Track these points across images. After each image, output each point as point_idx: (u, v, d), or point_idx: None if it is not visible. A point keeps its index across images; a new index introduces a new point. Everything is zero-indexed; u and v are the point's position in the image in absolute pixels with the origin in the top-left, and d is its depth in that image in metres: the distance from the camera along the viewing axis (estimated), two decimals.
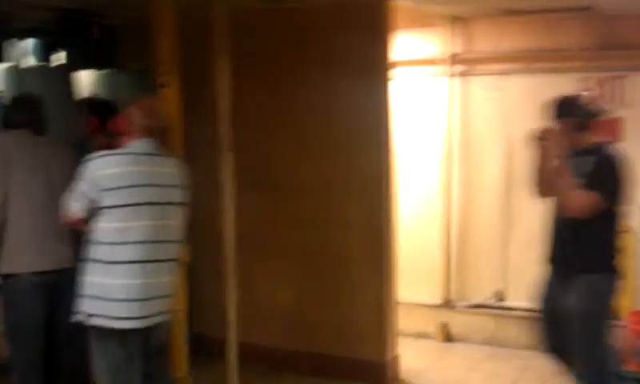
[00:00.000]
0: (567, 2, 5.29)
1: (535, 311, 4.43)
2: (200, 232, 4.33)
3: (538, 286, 4.33)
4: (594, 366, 4.08)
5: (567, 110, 4.03)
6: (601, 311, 4.11)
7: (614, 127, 5.69)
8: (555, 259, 4.20)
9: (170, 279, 3.56)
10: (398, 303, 5.46)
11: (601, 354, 4.10)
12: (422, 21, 6.09)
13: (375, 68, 5.12)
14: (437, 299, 6.27)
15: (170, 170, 3.57)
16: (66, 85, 5.06)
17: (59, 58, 5.60)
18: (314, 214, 5.35)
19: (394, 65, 5.32)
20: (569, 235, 4.06)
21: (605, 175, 3.88)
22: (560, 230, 4.12)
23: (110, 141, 3.81)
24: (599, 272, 4.03)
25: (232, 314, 4.41)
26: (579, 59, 5.75)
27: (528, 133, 4.25)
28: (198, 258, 4.15)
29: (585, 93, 4.07)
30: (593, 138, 4.04)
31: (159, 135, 3.52)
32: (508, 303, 6.09)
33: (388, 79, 5.15)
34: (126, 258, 3.37)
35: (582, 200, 3.88)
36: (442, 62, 6.12)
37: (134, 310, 3.38)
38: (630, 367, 5.34)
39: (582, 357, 4.09)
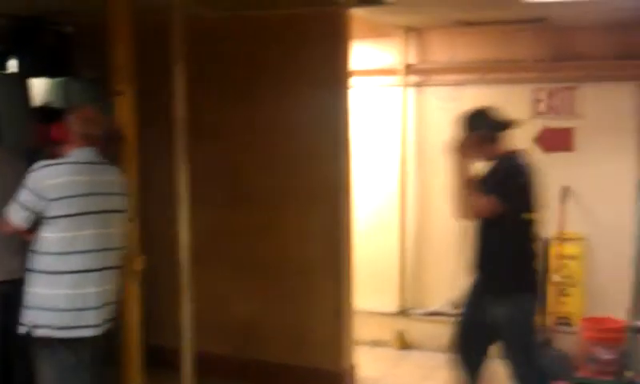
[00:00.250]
0: (521, 13, 5.37)
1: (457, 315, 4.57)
2: (157, 242, 4.29)
3: (463, 293, 4.44)
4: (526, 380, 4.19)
5: (476, 122, 4.21)
6: (526, 327, 4.24)
7: (565, 137, 5.81)
8: (477, 269, 4.30)
9: (113, 287, 3.60)
10: (355, 312, 5.47)
11: (529, 369, 4.22)
12: (377, 31, 6.13)
13: (334, 77, 5.14)
14: (393, 307, 6.30)
15: (110, 177, 3.62)
16: (20, 93, 4.97)
17: (13, 65, 5.50)
18: (273, 223, 5.34)
19: (352, 74, 5.34)
20: (488, 248, 4.19)
21: (505, 180, 4.06)
22: (481, 242, 4.23)
23: (59, 150, 3.78)
24: (520, 289, 4.16)
25: (187, 325, 4.37)
26: (532, 70, 5.86)
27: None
28: (155, 268, 4.10)
29: (493, 106, 4.27)
30: (503, 148, 4.20)
31: (99, 143, 3.57)
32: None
33: (347, 89, 5.17)
34: (71, 268, 3.40)
35: (481, 204, 4.06)
36: (397, 72, 6.17)
37: (81, 318, 3.42)
38: (584, 373, 5.44)
39: (516, 374, 4.21)
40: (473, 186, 4.15)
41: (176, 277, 4.34)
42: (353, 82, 5.35)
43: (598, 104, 5.70)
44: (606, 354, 5.37)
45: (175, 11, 4.08)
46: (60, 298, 3.38)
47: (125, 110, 3.78)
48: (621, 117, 5.64)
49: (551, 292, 5.77)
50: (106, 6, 3.68)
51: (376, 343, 6.30)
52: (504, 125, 4.21)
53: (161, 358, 4.81)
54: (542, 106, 5.86)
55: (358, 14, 5.28)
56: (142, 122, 3.92)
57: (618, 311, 5.54)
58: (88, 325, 3.45)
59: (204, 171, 4.85)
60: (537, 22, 5.65)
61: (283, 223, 5.32)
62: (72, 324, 3.40)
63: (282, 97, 5.24)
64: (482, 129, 4.18)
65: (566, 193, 5.76)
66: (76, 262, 3.40)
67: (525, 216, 4.12)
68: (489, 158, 4.20)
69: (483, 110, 4.27)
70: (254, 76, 5.29)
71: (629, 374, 5.25)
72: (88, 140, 3.53)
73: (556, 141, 5.84)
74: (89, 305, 3.44)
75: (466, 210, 4.19)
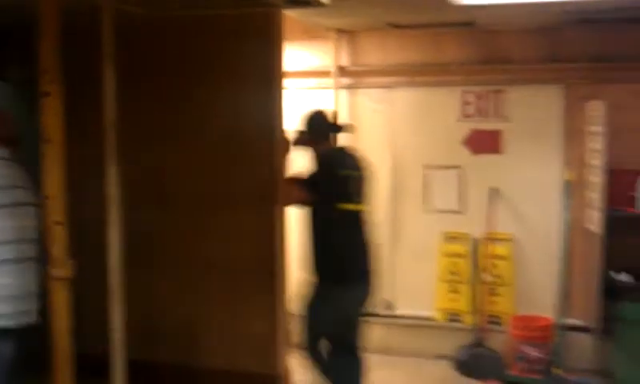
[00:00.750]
0: (450, 17, 5.45)
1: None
2: (87, 246, 4.17)
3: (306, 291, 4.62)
4: (337, 373, 4.52)
5: (310, 122, 4.60)
6: (340, 320, 4.45)
7: (493, 140, 5.93)
8: (311, 267, 4.53)
9: (31, 278, 3.75)
10: (290, 315, 5.44)
11: (341, 363, 4.53)
12: (311, 33, 6.14)
13: (268, 78, 5.10)
14: None
15: (20, 173, 3.79)
16: None
17: None
18: (206, 225, 5.27)
19: (286, 76, 5.33)
20: (310, 239, 4.49)
21: (317, 172, 4.46)
22: (308, 234, 4.52)
23: None
24: (336, 281, 4.41)
25: (118, 330, 4.26)
26: (461, 73, 5.96)
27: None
28: (86, 272, 3.99)
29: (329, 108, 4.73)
30: (332, 146, 4.59)
31: (6, 143, 3.76)
32: (397, 312, 6.20)
33: (281, 90, 5.15)
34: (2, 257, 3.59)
35: (291, 191, 4.54)
36: (330, 74, 6.19)
37: (11, 307, 3.61)
38: (514, 372, 5.56)
39: (329, 364, 4.53)
40: (294, 177, 4.60)
41: (107, 280, 4.23)
42: (287, 83, 5.33)
43: (525, 107, 5.83)
44: (534, 352, 5.49)
45: (105, 11, 3.99)
46: None
47: (51, 112, 3.66)
48: (547, 119, 5.79)
49: (482, 292, 5.87)
50: (33, 4, 3.56)
51: None
52: (334, 127, 4.61)
53: (91, 364, 4.69)
54: (471, 109, 5.97)
55: (290, 15, 5.27)
56: (73, 122, 3.81)
57: (546, 309, 5.69)
58: (17, 311, 3.63)
59: (137, 173, 4.75)
60: (465, 26, 5.75)
61: (217, 225, 5.25)
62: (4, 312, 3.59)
63: (215, 97, 5.18)
64: (314, 128, 4.58)
65: (494, 194, 5.87)
66: (4, 252, 3.58)
67: (341, 206, 4.37)
68: (317, 154, 4.54)
69: (319, 112, 4.64)
70: (187, 77, 5.21)
71: (557, 371, 5.38)
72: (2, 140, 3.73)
73: (484, 143, 5.96)
74: (3, 293, 3.59)
75: (284, 198, 4.68)
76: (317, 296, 4.48)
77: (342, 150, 4.61)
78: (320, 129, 4.57)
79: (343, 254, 4.42)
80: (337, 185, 4.39)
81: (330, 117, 4.65)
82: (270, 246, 5.20)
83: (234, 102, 5.15)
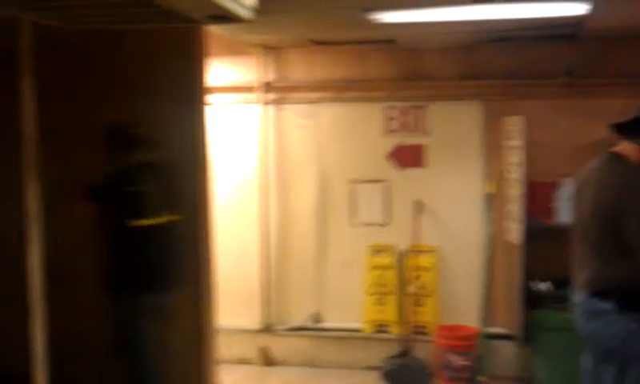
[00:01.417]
0: (371, 35, 5.57)
1: None
2: (6, 261, 4.09)
3: None
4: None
5: (106, 136, 4.53)
6: (132, 332, 4.50)
7: (417, 154, 6.06)
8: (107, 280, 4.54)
9: None
10: (217, 330, 5.42)
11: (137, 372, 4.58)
12: (237, 49, 6.17)
13: (191, 94, 5.09)
14: (257, 324, 6.31)
15: None
16: None
17: None
18: None
19: (210, 91, 5.33)
20: (106, 257, 4.48)
21: (101, 187, 4.42)
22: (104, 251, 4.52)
23: None
24: (127, 292, 4.44)
25: (39, 346, 4.17)
26: (384, 89, 6.09)
27: None
28: (4, 288, 3.91)
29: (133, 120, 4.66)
30: (135, 159, 4.51)
31: None
32: (325, 324, 6.25)
33: (204, 105, 5.15)
34: None
35: (81, 203, 4.46)
36: (256, 89, 6.23)
37: None
38: (440, 380, 5.67)
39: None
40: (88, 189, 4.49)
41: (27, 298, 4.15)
42: (213, 99, 5.34)
43: (447, 122, 6.00)
44: (459, 361, 5.61)
45: (22, 25, 3.93)
46: None
47: None
48: (468, 134, 5.96)
49: (408, 303, 5.98)
50: None
51: (241, 361, 6.29)
52: (131, 140, 4.54)
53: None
54: (395, 124, 6.10)
55: (216, 31, 5.29)
56: None
57: (470, 319, 5.83)
58: None
59: (59, 187, 4.66)
60: (387, 43, 5.88)
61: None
62: None
63: (137, 113, 5.14)
64: (109, 141, 4.53)
65: (419, 207, 6.00)
66: None
67: (131, 222, 4.37)
68: (119, 166, 4.46)
69: (115, 124, 4.57)
70: (109, 91, 5.16)
71: (482, 379, 5.51)
72: None
73: (408, 157, 6.09)
74: None
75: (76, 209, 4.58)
76: (118, 310, 4.47)
77: (138, 163, 4.50)
78: (116, 142, 4.51)
79: (134, 268, 4.41)
80: (124, 201, 4.36)
81: (128, 129, 4.57)
82: (197, 262, 5.17)
83: (157, 117, 5.11)
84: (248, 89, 6.27)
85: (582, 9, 4.55)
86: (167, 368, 5.16)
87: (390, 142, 6.11)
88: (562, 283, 5.11)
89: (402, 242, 6.06)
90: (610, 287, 3.34)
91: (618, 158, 3.43)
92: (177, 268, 4.63)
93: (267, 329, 6.32)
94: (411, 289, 5.97)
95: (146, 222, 4.39)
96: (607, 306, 3.34)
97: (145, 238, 4.40)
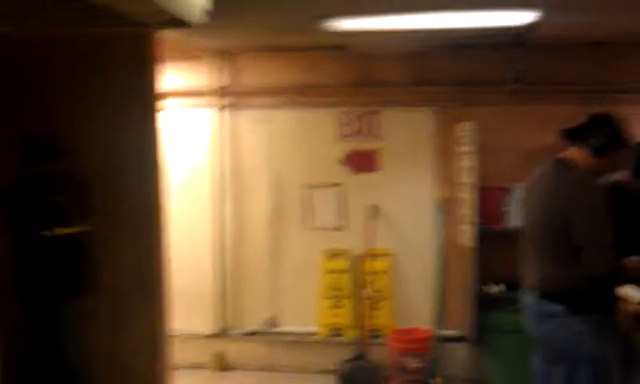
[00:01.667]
0: (324, 40, 5.61)
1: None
2: None
3: None
4: None
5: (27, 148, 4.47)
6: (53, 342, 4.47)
7: (371, 159, 6.12)
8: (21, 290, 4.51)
9: None
10: (171, 336, 5.40)
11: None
12: (192, 53, 6.15)
13: (143, 99, 5.05)
14: (211, 329, 6.30)
15: None
16: None
17: None
18: None
19: (164, 96, 5.31)
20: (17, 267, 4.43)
21: (8, 197, 4.36)
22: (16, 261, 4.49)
23: None
24: (42, 301, 4.40)
25: None
26: (338, 95, 6.14)
27: None
28: None
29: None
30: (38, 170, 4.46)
31: None
32: (280, 329, 6.27)
33: (157, 111, 5.11)
34: None
35: None
36: (211, 94, 6.22)
37: None
38: (395, 383, 5.73)
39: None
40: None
41: None
42: (167, 104, 5.32)
43: (400, 127, 6.08)
44: (413, 363, 5.69)
45: None
46: None
47: None
48: (420, 139, 6.05)
49: (363, 306, 6.03)
50: None
51: (195, 366, 6.26)
52: (46, 152, 4.47)
53: None
54: (348, 129, 6.15)
55: (170, 36, 5.27)
56: None
57: (424, 322, 5.92)
58: None
59: None
60: (339, 50, 5.94)
61: (95, 246, 5.14)
62: None
63: (89, 118, 5.07)
64: (31, 153, 4.44)
65: (373, 211, 6.06)
66: None
67: (44, 232, 4.34)
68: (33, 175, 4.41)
69: (32, 137, 4.50)
70: (60, 97, 5.09)
71: (435, 381, 5.60)
72: None
73: (362, 162, 6.15)
74: None
75: None
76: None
77: (52, 173, 4.47)
78: (30, 152, 4.45)
79: (45, 277, 4.38)
80: (36, 210, 4.34)
81: (43, 140, 4.53)
82: (150, 268, 5.14)
83: (109, 123, 5.06)
84: (202, 94, 6.26)
85: (530, 17, 4.67)
86: (113, 379, 5.13)
87: (344, 147, 6.16)
88: (514, 286, 5.22)
89: (357, 246, 6.11)
90: (559, 290, 3.44)
91: (566, 163, 3.54)
92: (90, 276, 4.61)
93: (222, 333, 6.31)
94: (366, 292, 6.03)
95: (58, 231, 4.37)
96: (557, 308, 3.43)
97: (57, 247, 4.37)
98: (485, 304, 5.62)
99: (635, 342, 3.47)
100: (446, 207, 5.93)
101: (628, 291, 3.68)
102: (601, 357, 3.41)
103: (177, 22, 4.71)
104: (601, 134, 3.48)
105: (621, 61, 5.74)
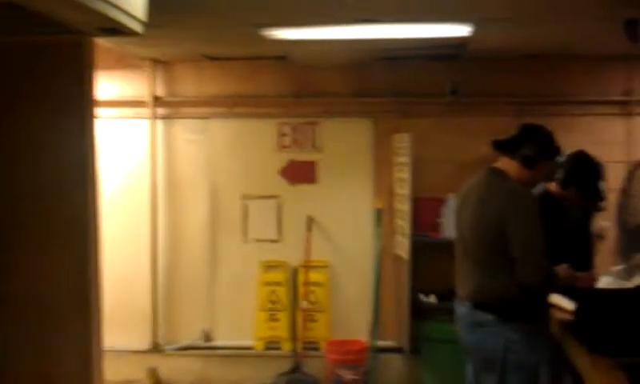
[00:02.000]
0: (263, 50, 5.58)
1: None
2: None
3: None
4: None
5: None
6: None
7: (309, 170, 6.10)
8: None
9: None
10: (104, 351, 5.25)
11: None
12: (126, 62, 6.05)
13: (78, 108, 4.91)
14: (145, 344, 6.16)
15: None
16: None
17: None
18: (14, 261, 4.98)
19: (99, 105, 5.19)
20: None
21: None
22: None
23: None
24: None
25: None
26: (277, 106, 6.11)
27: None
28: None
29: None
30: None
31: None
32: (215, 343, 6.17)
33: (92, 120, 4.99)
34: None
35: None
36: (145, 104, 6.11)
37: None
38: None
39: None
40: None
41: None
42: (100, 113, 5.20)
43: (338, 138, 6.08)
44: (349, 375, 5.66)
45: None
46: None
47: None
48: (358, 150, 6.06)
49: (300, 318, 5.98)
50: None
51: (129, 382, 6.10)
52: None
53: None
54: (287, 140, 6.12)
55: (105, 44, 5.16)
56: None
57: (361, 333, 5.90)
58: None
59: None
60: (279, 60, 5.92)
61: (23, 261, 4.98)
62: None
63: (21, 127, 4.94)
64: None
65: (310, 222, 6.03)
66: None
67: None
68: None
69: None
70: None
71: None
72: None
73: (300, 173, 6.12)
74: None
75: None
76: None
77: None
78: None
79: None
80: None
81: None
82: (84, 282, 5.00)
83: (42, 132, 4.92)
84: (137, 103, 6.14)
85: (464, 31, 4.72)
86: None
87: (283, 158, 6.12)
88: (449, 296, 5.26)
89: (294, 258, 6.07)
90: (491, 299, 3.45)
91: (499, 173, 3.57)
92: None
93: (156, 349, 6.17)
94: (303, 304, 5.98)
95: None
96: (488, 317, 3.45)
97: None
98: (420, 314, 5.63)
99: (565, 349, 3.50)
100: (383, 218, 5.94)
101: (560, 300, 3.72)
102: (530, 365, 3.44)
103: (115, 31, 4.63)
104: (531, 145, 3.53)
105: (554, 73, 5.85)
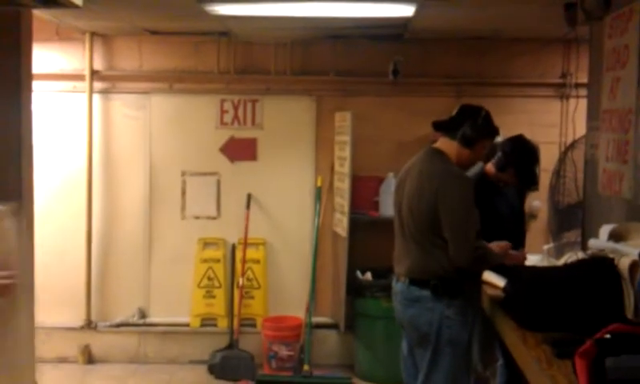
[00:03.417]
0: (205, 25, 5.52)
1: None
2: None
3: None
4: None
5: None
6: None
7: (249, 147, 6.07)
8: None
9: None
10: (35, 328, 5.14)
11: None
12: (62, 34, 5.91)
13: (13, 81, 4.79)
14: (78, 321, 6.05)
15: None
16: None
17: None
18: None
19: (35, 79, 5.04)
20: None
21: None
22: None
23: None
24: None
25: None
26: (219, 82, 6.04)
27: None
28: None
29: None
30: None
31: None
32: (150, 319, 6.10)
33: (28, 93, 4.86)
34: None
35: None
36: (82, 78, 5.97)
37: None
38: (266, 370, 5.71)
39: None
40: None
41: None
42: (37, 86, 5.05)
43: (279, 116, 6.05)
44: (285, 351, 5.68)
45: None
46: None
47: None
48: (300, 128, 6.04)
49: (237, 295, 5.96)
50: None
51: (60, 360, 6.00)
52: None
53: None
54: (229, 117, 6.06)
55: (41, 16, 5.02)
56: None
57: (299, 310, 5.91)
58: None
59: None
60: (221, 35, 5.86)
61: None
62: None
63: None
64: None
65: (250, 200, 6.00)
66: None
67: None
68: None
69: None
70: None
71: (306, 368, 5.60)
72: None
73: (241, 150, 6.08)
74: None
75: None
76: None
77: None
78: None
79: None
80: None
81: None
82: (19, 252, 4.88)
83: None
84: (74, 77, 6.00)
85: (408, 10, 4.75)
86: None
87: (223, 135, 6.06)
88: (386, 273, 5.33)
89: (233, 235, 6.04)
90: (426, 276, 3.49)
91: (437, 153, 3.60)
92: None
93: (89, 326, 6.06)
94: (240, 281, 5.95)
95: None
96: (424, 293, 3.49)
97: None
98: (356, 291, 5.67)
99: (495, 325, 3.57)
100: (323, 196, 5.96)
101: (490, 276, 3.79)
102: (463, 341, 3.50)
103: (55, 3, 4.50)
104: (469, 125, 3.56)
105: (493, 55, 5.93)
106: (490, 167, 4.17)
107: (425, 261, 3.50)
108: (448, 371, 3.49)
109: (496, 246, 3.59)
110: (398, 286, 3.65)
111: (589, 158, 4.23)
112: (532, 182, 4.25)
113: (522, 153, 4.13)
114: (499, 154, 4.10)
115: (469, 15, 4.99)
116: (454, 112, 3.67)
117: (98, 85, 6.04)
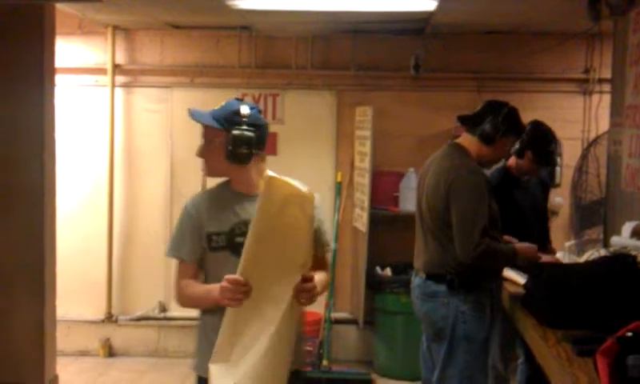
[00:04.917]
0: (226, 20, 5.52)
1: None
2: None
3: None
4: None
5: None
6: None
7: (270, 141, 6.03)
8: None
9: None
10: (57, 322, 5.18)
11: None
12: (85, 28, 5.96)
13: (37, 75, 4.82)
14: (99, 315, 6.09)
15: None
16: None
17: None
18: None
19: (58, 72, 5.07)
20: None
21: None
22: None
23: None
24: None
25: None
26: (239, 76, 6.04)
27: None
28: None
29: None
30: None
31: None
32: (171, 313, 6.12)
33: (51, 87, 4.89)
34: None
35: None
36: (104, 71, 6.00)
37: None
38: None
39: None
40: None
41: None
42: (59, 80, 5.08)
43: (300, 110, 6.04)
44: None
45: None
46: None
47: None
48: (320, 123, 6.03)
49: None
50: None
51: (82, 353, 6.05)
52: None
53: None
54: None
55: (64, 9, 5.05)
56: None
57: (316, 305, 5.87)
58: None
59: None
60: (243, 30, 5.86)
61: None
62: None
63: None
64: None
65: None
66: None
67: None
68: None
69: None
70: None
71: (325, 363, 5.60)
72: None
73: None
74: None
75: None
76: None
77: None
78: None
79: None
80: None
81: None
82: (39, 251, 4.91)
83: (1, 99, 4.83)
84: (96, 70, 6.04)
85: (429, 5, 4.72)
86: None
87: None
88: (404, 269, 5.31)
89: None
90: (443, 270, 3.48)
91: (457, 148, 3.58)
92: None
93: (110, 319, 6.10)
94: None
95: None
96: (440, 288, 3.48)
97: None
98: (375, 287, 5.65)
99: (515, 322, 3.54)
100: (343, 191, 5.95)
101: (511, 273, 3.76)
102: (479, 337, 3.47)
103: None
104: (489, 122, 3.53)
105: (516, 50, 5.86)
106: (512, 160, 4.14)
107: (441, 255, 3.49)
108: (463, 367, 3.47)
109: (527, 247, 3.55)
110: (416, 280, 3.65)
111: (612, 154, 4.18)
112: (549, 163, 4.20)
113: (537, 133, 4.08)
114: (518, 142, 4.05)
115: (491, 9, 4.95)
116: (479, 107, 3.64)
117: (119, 79, 6.07)
